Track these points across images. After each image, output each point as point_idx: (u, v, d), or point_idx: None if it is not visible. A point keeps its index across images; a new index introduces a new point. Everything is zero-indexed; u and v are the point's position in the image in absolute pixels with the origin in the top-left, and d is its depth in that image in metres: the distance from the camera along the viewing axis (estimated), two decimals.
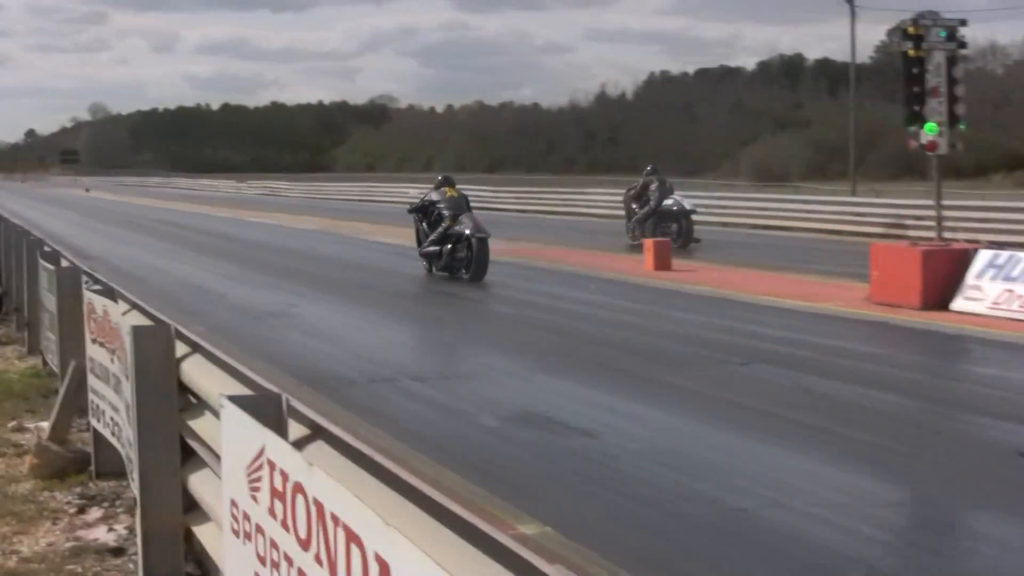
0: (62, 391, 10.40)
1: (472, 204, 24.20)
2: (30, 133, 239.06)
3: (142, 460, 6.82)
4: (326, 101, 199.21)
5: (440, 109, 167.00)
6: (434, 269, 23.39)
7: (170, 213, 54.91)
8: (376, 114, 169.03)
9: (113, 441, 8.33)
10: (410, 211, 24.83)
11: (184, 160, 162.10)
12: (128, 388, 7.14)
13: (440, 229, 23.17)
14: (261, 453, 4.35)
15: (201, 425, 6.54)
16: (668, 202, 30.41)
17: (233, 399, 4.87)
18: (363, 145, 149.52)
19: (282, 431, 4.79)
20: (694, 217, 30.69)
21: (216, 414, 6.15)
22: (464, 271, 22.53)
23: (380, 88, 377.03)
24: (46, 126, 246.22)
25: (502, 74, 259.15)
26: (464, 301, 19.25)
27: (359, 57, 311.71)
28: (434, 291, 20.78)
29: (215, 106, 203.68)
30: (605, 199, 49.05)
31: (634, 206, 31.25)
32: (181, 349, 7.05)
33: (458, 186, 24.40)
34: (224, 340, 12.49)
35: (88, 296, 9.32)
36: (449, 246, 22.93)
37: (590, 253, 28.04)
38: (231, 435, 4.85)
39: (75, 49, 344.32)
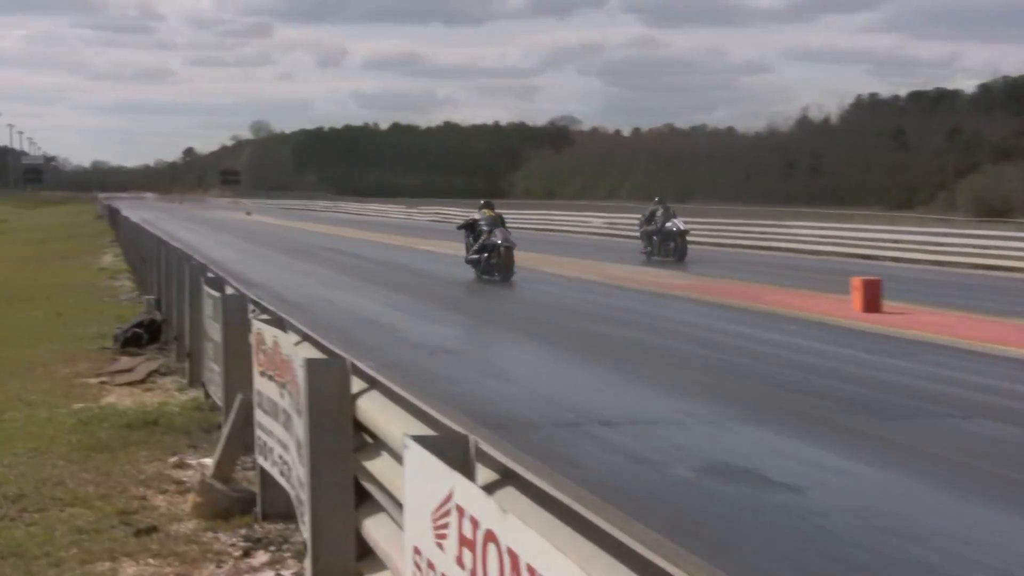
0: (227, 426, 10.61)
1: None
2: (188, 152, 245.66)
3: (314, 502, 6.92)
4: (503, 122, 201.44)
5: (626, 132, 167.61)
6: (479, 273, 31.78)
7: (336, 240, 55.80)
8: (557, 136, 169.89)
9: (282, 481, 8.47)
10: (459, 228, 34.64)
11: (350, 183, 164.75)
12: (300, 425, 7.26)
13: (480, 241, 31.97)
14: (449, 498, 4.39)
15: (377, 466, 6.63)
16: (668, 224, 41.26)
17: (418, 439, 4.93)
18: (542, 170, 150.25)
19: (470, 475, 4.83)
20: (688, 238, 41.61)
21: (394, 455, 6.24)
22: (496, 274, 31.14)
23: (561, 108, 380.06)
24: (205, 144, 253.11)
25: (694, 95, 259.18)
26: (652, 343, 19.21)
27: (539, 75, 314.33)
28: (619, 331, 20.76)
29: (384, 125, 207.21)
30: (808, 233, 48.63)
31: (645, 228, 42.58)
32: (357, 385, 7.16)
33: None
34: (396, 376, 12.63)
35: (256, 325, 9.47)
36: (486, 254, 31.62)
37: (790, 292, 27.79)
38: (415, 478, 4.91)
39: (237, 63, 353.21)
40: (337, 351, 7.76)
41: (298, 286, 29.66)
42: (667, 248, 41.00)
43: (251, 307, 11.71)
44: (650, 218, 42.33)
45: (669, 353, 17.88)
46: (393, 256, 43.04)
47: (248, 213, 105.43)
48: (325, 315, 22.27)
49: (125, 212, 63.44)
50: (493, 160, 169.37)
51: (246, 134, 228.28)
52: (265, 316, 10.43)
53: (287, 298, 24.73)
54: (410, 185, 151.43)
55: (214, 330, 12.67)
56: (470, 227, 33.19)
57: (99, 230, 71.92)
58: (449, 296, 27.19)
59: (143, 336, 20.10)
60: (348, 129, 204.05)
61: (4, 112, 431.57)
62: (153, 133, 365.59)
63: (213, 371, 13.01)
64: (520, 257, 31.80)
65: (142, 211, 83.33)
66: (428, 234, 61.45)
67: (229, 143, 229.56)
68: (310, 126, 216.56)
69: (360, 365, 7.21)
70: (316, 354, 7.97)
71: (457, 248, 40.66)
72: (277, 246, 50.22)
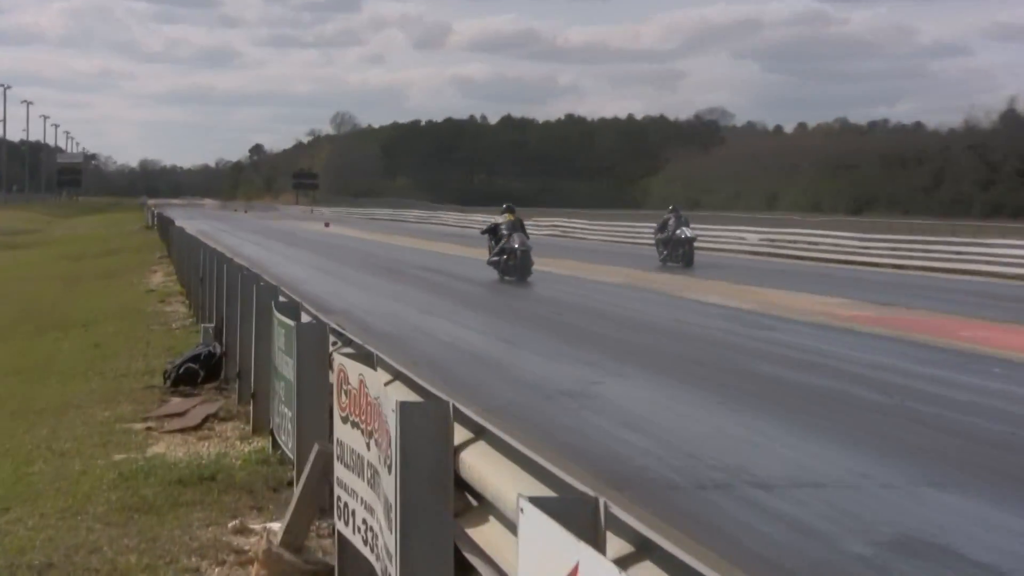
0: (300, 484, 10.65)
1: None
2: (256, 149, 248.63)
3: None
4: (638, 115, 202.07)
5: (789, 128, 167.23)
6: (499, 274, 40.23)
7: (432, 257, 56.04)
8: (704, 133, 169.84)
9: (365, 551, 8.48)
10: (483, 232, 43.76)
11: (450, 188, 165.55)
12: (390, 483, 7.26)
13: (500, 244, 40.63)
14: (574, 573, 4.38)
15: (484, 533, 6.63)
16: (678, 232, 51.18)
17: (537, 502, 4.92)
18: (685, 173, 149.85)
19: (599, 546, 4.82)
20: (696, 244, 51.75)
21: (505, 520, 6.24)
22: (514, 275, 39.67)
23: (709, 100, 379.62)
24: (277, 141, 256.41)
25: (873, 83, 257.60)
26: (819, 386, 19.08)
27: (682, 58, 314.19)
28: (777, 370, 20.64)
29: (493, 119, 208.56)
30: (1014, 254, 48.09)
31: (659, 235, 53.05)
32: (460, 434, 7.15)
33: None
34: (506, 424, 12.63)
35: (339, 361, 9.49)
36: (504, 257, 40.18)
37: (992, 326, 27.53)
38: (531, 548, 4.90)
39: (317, 43, 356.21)
40: (438, 393, 7.76)
41: (384, 312, 29.83)
42: (677, 254, 51.21)
43: (332, 338, 11.76)
44: (663, 226, 52.87)
45: (840, 399, 17.74)
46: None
47: (326, 224, 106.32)
48: (418, 347, 22.35)
49: (179, 222, 64.16)
50: (625, 161, 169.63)
51: (326, 129, 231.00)
52: (349, 349, 10.47)
53: (371, 326, 24.87)
54: (523, 191, 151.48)
55: (286, 366, 12.71)
56: (492, 231, 42.18)
57: (147, 243, 72.81)
58: (572, 326, 27.17)
59: (199, 373, 20.24)
60: (450, 123, 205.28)
61: (37, 101, 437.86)
62: (214, 127, 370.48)
63: (284, 416, 13.06)
64: (662, 281, 31.80)
65: (199, 221, 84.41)
66: (543, 251, 61.45)
67: (305, 139, 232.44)
68: (404, 119, 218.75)
69: (465, 410, 7.19)
70: (412, 396, 7.98)
71: (583, 269, 41.01)
72: (361, 264, 50.56)
